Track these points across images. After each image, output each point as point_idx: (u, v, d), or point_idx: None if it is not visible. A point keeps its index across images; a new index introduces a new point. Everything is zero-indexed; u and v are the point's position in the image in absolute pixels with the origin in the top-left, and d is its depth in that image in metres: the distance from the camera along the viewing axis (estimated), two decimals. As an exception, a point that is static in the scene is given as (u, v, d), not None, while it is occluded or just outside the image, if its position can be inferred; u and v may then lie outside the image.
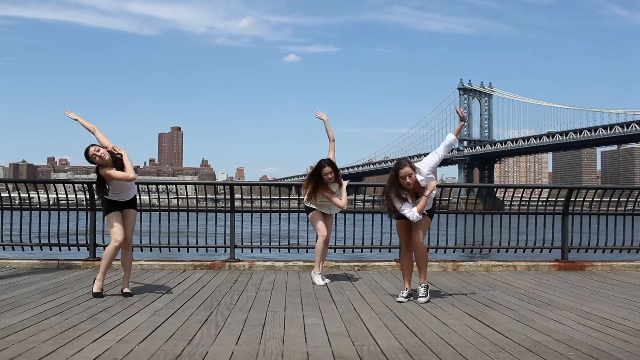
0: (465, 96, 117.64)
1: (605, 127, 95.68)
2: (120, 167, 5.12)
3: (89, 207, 7.50)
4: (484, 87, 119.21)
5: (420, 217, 5.07)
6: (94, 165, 5.17)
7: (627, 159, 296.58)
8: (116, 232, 5.16)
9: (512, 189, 8.55)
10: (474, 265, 7.49)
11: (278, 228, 7.97)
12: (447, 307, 4.89)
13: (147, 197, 7.97)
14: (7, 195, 8.37)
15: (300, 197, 6.90)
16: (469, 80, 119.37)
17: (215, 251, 7.87)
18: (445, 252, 7.99)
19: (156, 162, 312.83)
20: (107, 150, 5.13)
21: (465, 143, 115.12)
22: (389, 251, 7.82)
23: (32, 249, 7.82)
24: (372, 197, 8.32)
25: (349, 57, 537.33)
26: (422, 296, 5.12)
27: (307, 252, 7.67)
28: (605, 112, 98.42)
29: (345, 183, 6.35)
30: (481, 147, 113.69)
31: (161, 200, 7.88)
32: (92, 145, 5.13)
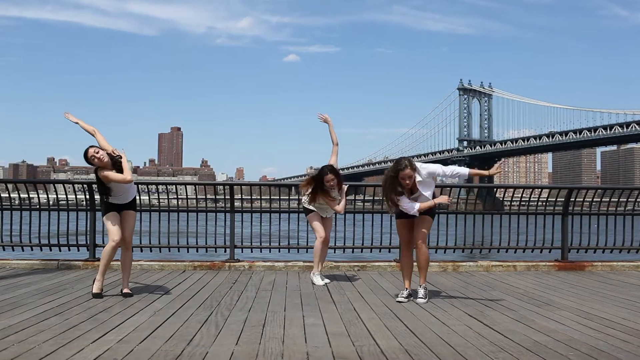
0: (465, 96, 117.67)
1: (605, 127, 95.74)
2: (119, 169, 5.13)
3: (88, 208, 7.50)
4: (483, 87, 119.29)
5: (417, 214, 5.07)
6: (93, 166, 5.18)
7: (627, 159, 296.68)
8: (113, 232, 5.17)
9: (512, 189, 8.55)
10: (474, 266, 7.49)
11: (278, 228, 7.97)
12: (447, 307, 4.90)
13: (147, 198, 7.98)
14: (7, 195, 8.37)
15: (300, 197, 6.90)
16: (469, 81, 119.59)
17: (215, 251, 7.88)
18: (445, 252, 8.00)
19: (156, 162, 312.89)
20: (107, 153, 5.14)
21: (465, 143, 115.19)
22: (389, 251, 7.82)
23: (32, 250, 7.81)
24: (372, 198, 8.33)
25: (349, 57, 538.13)
26: (422, 297, 5.13)
27: (307, 252, 7.67)
28: (605, 112, 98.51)
29: (344, 187, 6.37)
30: (481, 147, 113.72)
31: (161, 200, 7.88)
32: (91, 146, 5.14)
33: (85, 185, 7.63)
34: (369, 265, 7.45)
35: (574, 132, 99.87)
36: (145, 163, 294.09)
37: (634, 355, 3.39)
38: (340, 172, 6.38)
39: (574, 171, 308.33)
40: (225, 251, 7.66)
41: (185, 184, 9.22)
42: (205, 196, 10.50)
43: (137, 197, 5.60)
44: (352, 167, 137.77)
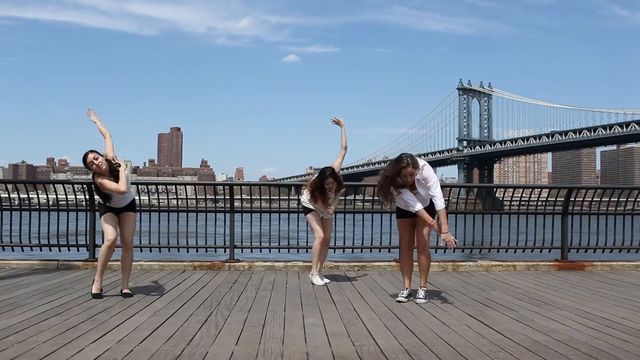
0: (465, 96, 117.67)
1: (604, 127, 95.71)
2: (117, 178, 5.14)
3: (88, 208, 7.50)
4: (483, 87, 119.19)
5: (419, 207, 5.03)
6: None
7: (627, 159, 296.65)
8: (108, 232, 5.19)
9: (511, 189, 8.56)
10: (474, 265, 7.49)
11: (278, 228, 7.97)
12: (447, 307, 4.90)
13: (147, 198, 7.98)
14: (7, 195, 8.37)
15: (299, 197, 6.90)
16: (469, 81, 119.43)
17: (215, 251, 7.88)
18: (445, 252, 7.99)
19: (156, 162, 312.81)
20: (106, 159, 5.14)
21: (465, 143, 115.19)
22: (389, 251, 7.83)
23: (31, 250, 7.82)
24: (371, 197, 8.33)
25: (349, 57, 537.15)
26: (421, 297, 5.13)
27: (306, 252, 7.66)
28: (604, 112, 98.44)
29: (342, 191, 6.39)
30: (481, 147, 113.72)
31: (161, 200, 7.88)
32: (91, 151, 5.14)
33: (84, 186, 7.63)
34: (369, 265, 7.45)
35: (574, 131, 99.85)
36: (145, 163, 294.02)
37: (634, 355, 3.39)
38: (341, 172, 6.39)
39: (574, 171, 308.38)
40: (225, 251, 7.66)
41: (185, 184, 9.23)
42: (205, 196, 10.51)
43: (137, 198, 5.62)
44: (352, 167, 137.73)
